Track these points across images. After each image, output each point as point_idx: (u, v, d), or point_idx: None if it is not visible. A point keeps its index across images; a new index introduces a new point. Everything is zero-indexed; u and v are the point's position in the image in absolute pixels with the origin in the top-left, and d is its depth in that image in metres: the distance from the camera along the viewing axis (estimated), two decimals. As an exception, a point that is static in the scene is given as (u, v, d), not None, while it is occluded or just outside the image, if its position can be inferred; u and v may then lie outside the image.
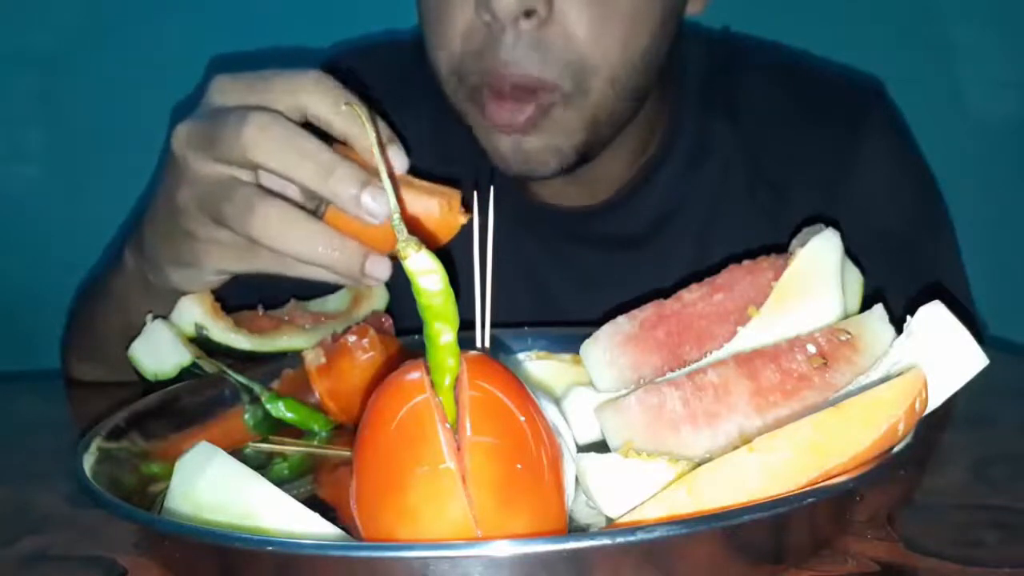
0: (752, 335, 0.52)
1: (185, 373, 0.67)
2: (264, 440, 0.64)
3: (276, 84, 0.62)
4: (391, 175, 0.61)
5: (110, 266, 0.79)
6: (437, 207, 0.63)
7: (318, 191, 0.59)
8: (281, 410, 0.63)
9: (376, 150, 0.44)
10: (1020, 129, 1.25)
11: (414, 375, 0.43)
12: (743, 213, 0.88)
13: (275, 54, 1.16)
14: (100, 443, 0.54)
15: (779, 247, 0.56)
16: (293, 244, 0.60)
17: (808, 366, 0.49)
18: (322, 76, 0.62)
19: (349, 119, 0.61)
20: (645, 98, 0.80)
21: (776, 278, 0.53)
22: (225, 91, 0.64)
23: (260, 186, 0.62)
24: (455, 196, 0.64)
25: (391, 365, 0.56)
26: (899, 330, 0.48)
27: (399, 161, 0.62)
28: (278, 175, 0.60)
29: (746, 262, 0.56)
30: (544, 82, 0.72)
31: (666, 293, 0.57)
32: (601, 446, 0.53)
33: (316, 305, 0.77)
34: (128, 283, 0.74)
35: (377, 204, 0.58)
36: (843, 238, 0.54)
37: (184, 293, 0.70)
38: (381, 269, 0.61)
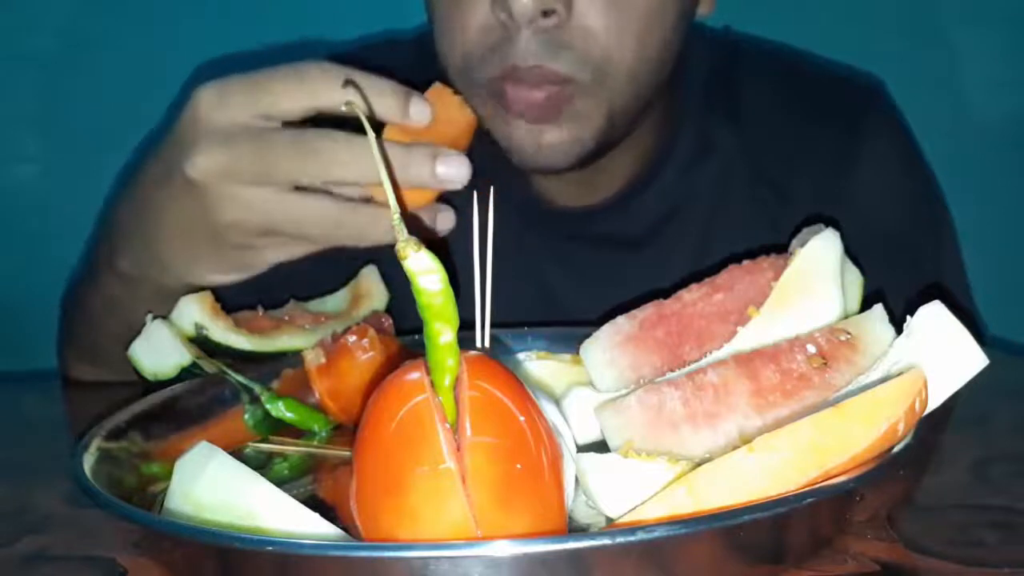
0: (752, 335, 0.52)
1: (185, 373, 0.67)
2: (264, 440, 0.64)
3: (285, 87, 0.63)
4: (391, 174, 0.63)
5: (96, 275, 0.78)
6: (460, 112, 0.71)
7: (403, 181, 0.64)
8: (281, 410, 0.63)
9: (375, 149, 0.44)
10: (1020, 128, 1.25)
11: (414, 375, 0.43)
12: (743, 213, 0.88)
13: (276, 53, 1.16)
14: (100, 443, 0.54)
15: (779, 247, 0.56)
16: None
17: (808, 366, 0.49)
18: (324, 66, 0.64)
19: (370, 98, 0.64)
20: (659, 94, 0.81)
21: (776, 278, 0.53)
22: (224, 105, 0.64)
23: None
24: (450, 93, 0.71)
25: (391, 365, 0.56)
26: (899, 330, 0.48)
27: (424, 114, 0.66)
28: (361, 184, 0.65)
29: (746, 262, 0.56)
30: (562, 77, 0.72)
31: (666, 293, 0.57)
32: (601, 446, 0.53)
33: (316, 305, 0.77)
34: (134, 289, 0.74)
35: (452, 169, 0.65)
36: (843, 238, 0.54)
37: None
38: (457, 170, 0.65)
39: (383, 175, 0.44)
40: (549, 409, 0.48)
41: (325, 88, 0.63)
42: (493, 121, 0.76)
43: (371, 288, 0.78)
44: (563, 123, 0.74)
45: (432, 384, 0.42)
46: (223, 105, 0.64)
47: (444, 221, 0.69)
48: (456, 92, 0.73)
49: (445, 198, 0.70)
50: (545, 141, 0.75)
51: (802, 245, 0.53)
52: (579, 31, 0.71)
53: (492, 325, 0.52)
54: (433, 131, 0.68)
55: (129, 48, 1.24)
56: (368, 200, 0.68)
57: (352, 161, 0.63)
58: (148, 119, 1.18)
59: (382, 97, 0.65)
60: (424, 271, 0.42)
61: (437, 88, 0.71)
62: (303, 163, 0.63)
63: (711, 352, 0.54)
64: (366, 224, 0.66)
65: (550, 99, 0.73)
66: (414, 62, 0.84)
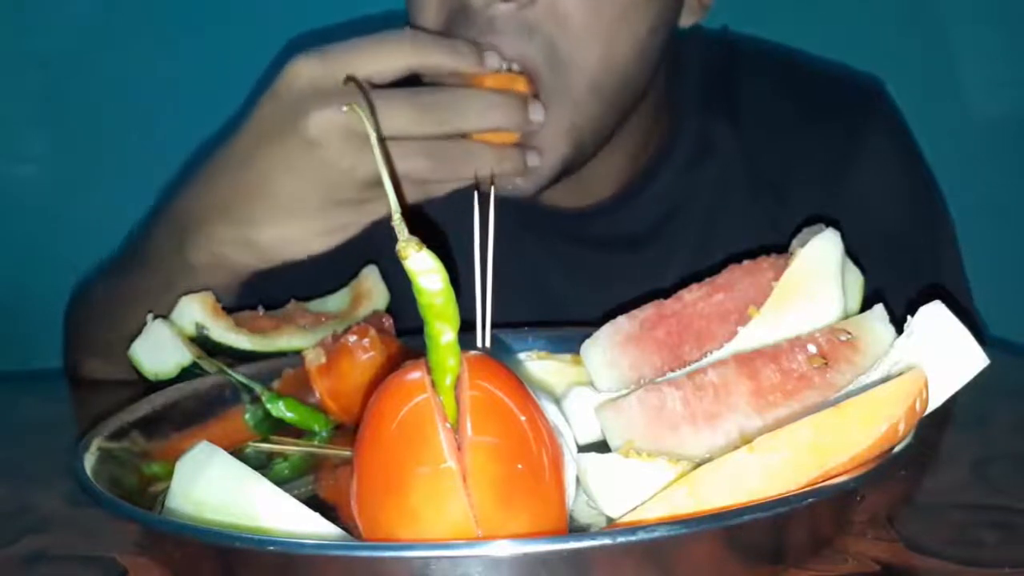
0: (752, 335, 0.52)
1: (185, 373, 0.67)
2: (264, 440, 0.64)
3: (383, 51, 0.68)
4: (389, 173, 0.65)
5: (147, 266, 0.78)
6: None
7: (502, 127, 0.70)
8: (281, 410, 0.63)
9: (376, 148, 0.44)
10: (1020, 128, 1.25)
11: (415, 375, 0.43)
12: (743, 213, 0.88)
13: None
14: (100, 443, 0.54)
15: (779, 247, 0.56)
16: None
17: (808, 366, 0.49)
18: (413, 32, 0.70)
19: (452, 56, 0.69)
20: (630, 112, 0.80)
21: (776, 278, 0.53)
22: (326, 70, 0.68)
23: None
24: None
25: (391, 365, 0.56)
26: (899, 330, 0.48)
27: (494, 58, 0.71)
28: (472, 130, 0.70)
29: (746, 262, 0.56)
30: (522, 58, 0.72)
31: (666, 293, 0.57)
32: (601, 446, 0.53)
33: (316, 305, 0.77)
34: (198, 280, 0.74)
35: (539, 115, 0.71)
36: (843, 238, 0.54)
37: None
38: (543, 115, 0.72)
39: (384, 174, 0.43)
40: (550, 409, 0.48)
41: (421, 50, 0.69)
42: None
43: (371, 288, 0.78)
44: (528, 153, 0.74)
45: (433, 384, 0.42)
46: (326, 71, 0.68)
47: (532, 159, 0.73)
48: None
49: (444, 201, 0.71)
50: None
51: (803, 245, 0.53)
52: (540, 15, 0.71)
53: (492, 325, 0.52)
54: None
55: (132, 48, 1.24)
56: None
57: (469, 110, 0.68)
58: (150, 119, 1.19)
59: (460, 54, 0.69)
60: (425, 271, 0.42)
61: None
62: (421, 114, 0.67)
63: (711, 352, 0.54)
64: (474, 156, 0.69)
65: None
66: None
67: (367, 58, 0.68)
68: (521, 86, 0.71)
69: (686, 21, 0.82)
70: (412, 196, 0.70)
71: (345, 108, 0.50)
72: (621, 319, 0.57)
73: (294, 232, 0.71)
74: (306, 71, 0.68)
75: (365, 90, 0.67)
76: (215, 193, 0.73)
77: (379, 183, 0.66)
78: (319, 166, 0.68)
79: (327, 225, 0.71)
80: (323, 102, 0.67)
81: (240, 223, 0.72)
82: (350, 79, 0.67)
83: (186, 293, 0.71)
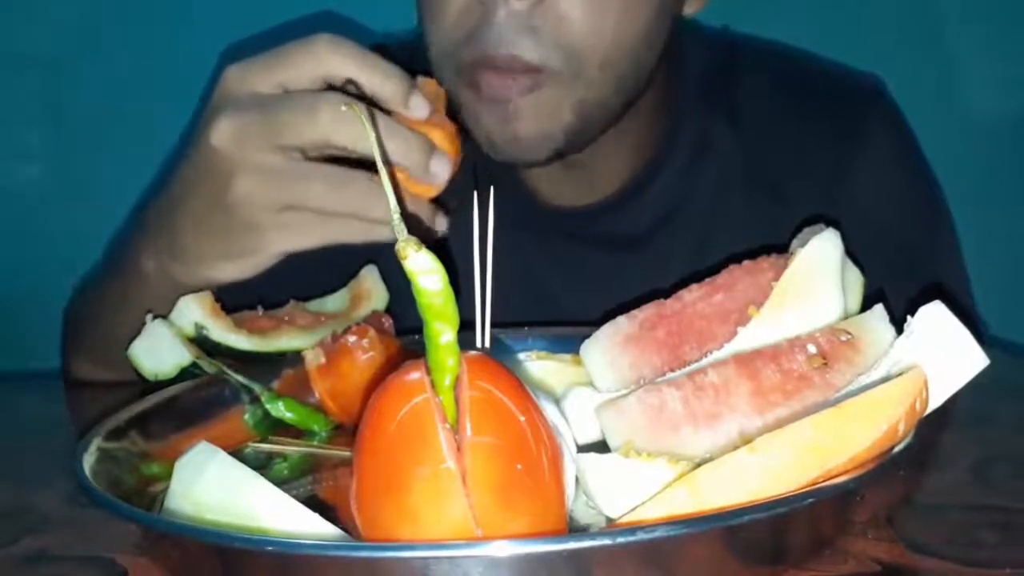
0: (752, 335, 0.52)
1: (185, 373, 0.67)
2: (264, 440, 0.64)
3: (296, 58, 0.66)
4: (392, 175, 0.64)
5: (118, 272, 0.78)
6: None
7: (398, 162, 0.66)
8: (281, 410, 0.63)
9: (376, 149, 0.44)
10: (1020, 128, 1.25)
11: (414, 375, 0.43)
12: (743, 213, 0.88)
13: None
14: (100, 443, 0.54)
15: (779, 247, 0.56)
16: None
17: (808, 366, 0.49)
18: (336, 39, 0.66)
19: (374, 77, 0.67)
20: (638, 95, 0.80)
21: (776, 278, 0.53)
22: (245, 78, 0.67)
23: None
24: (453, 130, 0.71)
25: (391, 365, 0.56)
26: (899, 330, 0.48)
27: (423, 110, 0.68)
28: (356, 154, 0.66)
29: (746, 262, 0.56)
30: (534, 65, 0.72)
31: (666, 293, 0.57)
32: (601, 446, 0.53)
33: (316, 305, 0.77)
34: (150, 288, 0.74)
35: (442, 169, 0.67)
36: (843, 238, 0.54)
37: (220, 284, 0.71)
38: (445, 172, 0.68)
39: (383, 173, 0.43)
40: (549, 409, 0.48)
41: (332, 59, 0.66)
42: (467, 110, 0.76)
43: (371, 288, 0.78)
44: (533, 116, 0.73)
45: (432, 384, 0.42)
46: (244, 80, 0.67)
47: (440, 223, 0.71)
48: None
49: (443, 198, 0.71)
50: (515, 134, 0.74)
51: (803, 245, 0.53)
52: (553, 16, 0.71)
53: (492, 325, 0.52)
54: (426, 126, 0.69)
55: (131, 49, 1.24)
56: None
57: (357, 126, 0.64)
58: (149, 120, 1.19)
59: (388, 80, 0.67)
60: (424, 271, 0.42)
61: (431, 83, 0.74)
62: (310, 125, 0.64)
63: (711, 352, 0.54)
64: (375, 196, 0.66)
65: (525, 88, 0.72)
66: (410, 64, 0.84)
67: (284, 65, 0.67)
68: (438, 139, 0.68)
69: (689, 9, 0.82)
70: (308, 238, 0.68)
71: (344, 107, 0.50)
72: (621, 319, 0.57)
73: (202, 250, 0.70)
74: (228, 81, 0.67)
75: (280, 97, 0.66)
76: (157, 208, 0.73)
77: (283, 210, 0.66)
78: (219, 179, 0.66)
79: (230, 248, 0.69)
80: (227, 112, 0.66)
81: (171, 233, 0.72)
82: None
83: (138, 304, 0.71)
